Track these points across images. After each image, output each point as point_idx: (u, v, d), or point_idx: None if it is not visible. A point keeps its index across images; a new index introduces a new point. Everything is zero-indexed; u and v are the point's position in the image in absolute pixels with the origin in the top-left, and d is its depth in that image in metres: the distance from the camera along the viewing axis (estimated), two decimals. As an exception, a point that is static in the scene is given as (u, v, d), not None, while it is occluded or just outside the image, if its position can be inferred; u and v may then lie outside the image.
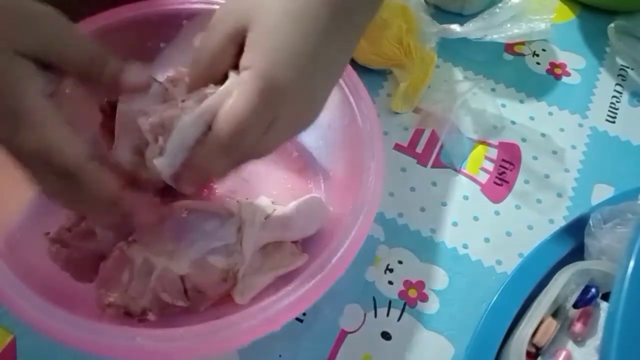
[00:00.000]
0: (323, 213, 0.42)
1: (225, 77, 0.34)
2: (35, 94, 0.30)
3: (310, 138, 0.49)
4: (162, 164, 0.33)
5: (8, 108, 0.29)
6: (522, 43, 0.61)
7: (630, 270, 0.34)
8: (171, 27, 0.45)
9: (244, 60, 0.32)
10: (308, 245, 0.42)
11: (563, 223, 0.49)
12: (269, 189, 0.46)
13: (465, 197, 0.51)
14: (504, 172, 0.52)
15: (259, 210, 0.41)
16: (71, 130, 0.30)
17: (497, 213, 0.50)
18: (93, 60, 0.32)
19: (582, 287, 0.41)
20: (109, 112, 0.37)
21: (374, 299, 0.45)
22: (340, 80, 0.43)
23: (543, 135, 0.55)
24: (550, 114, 0.57)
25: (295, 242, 0.42)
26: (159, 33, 0.45)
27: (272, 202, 0.43)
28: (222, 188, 0.44)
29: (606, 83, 0.59)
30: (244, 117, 0.31)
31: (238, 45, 0.33)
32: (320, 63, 0.33)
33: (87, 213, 0.36)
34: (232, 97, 0.31)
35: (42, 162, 0.29)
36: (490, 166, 0.53)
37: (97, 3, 0.44)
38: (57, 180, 0.30)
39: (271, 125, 0.32)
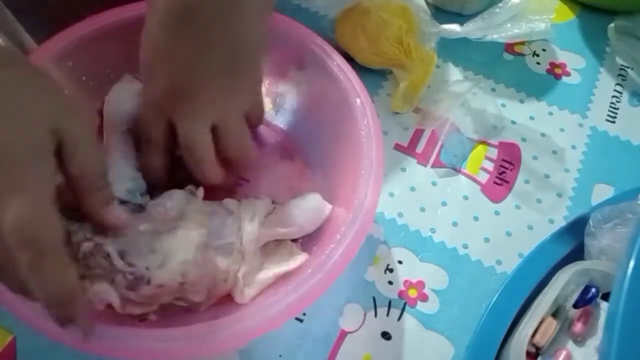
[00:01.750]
0: (323, 211, 0.42)
1: None
2: (49, 172, 0.30)
3: (309, 138, 0.49)
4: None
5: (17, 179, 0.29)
6: (522, 43, 0.61)
7: (630, 270, 0.34)
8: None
9: None
10: (308, 244, 0.42)
11: (563, 223, 0.49)
12: (268, 188, 0.46)
13: (465, 197, 0.51)
14: (504, 172, 0.52)
15: (259, 208, 0.41)
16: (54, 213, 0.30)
17: (497, 213, 0.50)
18: (91, 182, 0.33)
19: (582, 287, 0.41)
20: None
21: (374, 299, 0.45)
22: (340, 80, 0.43)
23: (543, 135, 0.55)
24: (550, 113, 0.57)
25: (295, 241, 0.42)
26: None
27: (272, 201, 0.43)
28: (222, 188, 0.44)
29: (606, 83, 0.59)
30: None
31: None
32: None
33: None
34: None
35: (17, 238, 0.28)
36: (490, 166, 0.53)
37: (98, 3, 0.44)
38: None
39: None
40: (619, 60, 0.61)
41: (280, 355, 0.42)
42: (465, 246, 0.48)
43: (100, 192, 0.34)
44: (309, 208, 0.42)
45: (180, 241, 0.37)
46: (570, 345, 0.40)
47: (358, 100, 0.42)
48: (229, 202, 0.41)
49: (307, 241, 0.43)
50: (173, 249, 0.36)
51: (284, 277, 0.40)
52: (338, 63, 0.44)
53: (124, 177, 0.38)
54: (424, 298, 0.45)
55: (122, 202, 0.36)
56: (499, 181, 0.52)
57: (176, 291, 0.37)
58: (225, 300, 0.39)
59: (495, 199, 0.51)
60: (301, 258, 0.40)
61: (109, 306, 0.37)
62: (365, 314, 0.44)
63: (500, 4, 0.56)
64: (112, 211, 0.34)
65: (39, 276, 0.28)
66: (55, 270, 0.28)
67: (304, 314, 0.43)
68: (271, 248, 0.41)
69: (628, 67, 0.61)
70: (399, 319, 0.44)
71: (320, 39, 0.45)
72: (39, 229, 0.28)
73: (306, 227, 0.42)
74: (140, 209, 0.37)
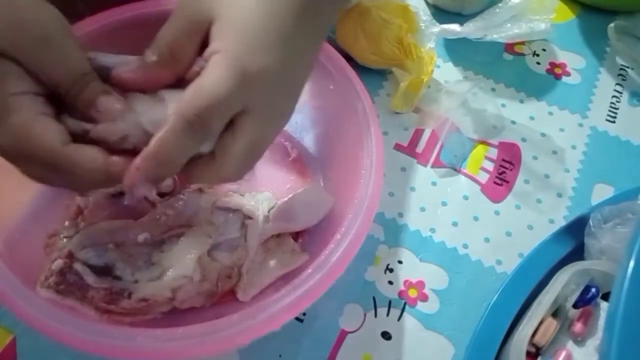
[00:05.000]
0: (326, 202, 0.42)
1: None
2: (12, 93, 0.29)
3: (309, 138, 0.49)
4: None
5: None
6: (522, 43, 0.61)
7: (630, 270, 0.34)
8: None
9: (210, 48, 0.30)
10: (308, 244, 0.42)
11: (563, 223, 0.49)
12: (268, 188, 0.46)
13: (465, 197, 0.51)
14: (504, 172, 0.52)
15: (262, 203, 0.41)
16: (45, 119, 0.30)
17: (497, 213, 0.50)
18: (74, 82, 0.31)
19: (582, 287, 0.41)
20: None
21: (374, 299, 0.45)
22: (340, 80, 0.43)
23: (543, 135, 0.55)
24: (550, 113, 0.57)
25: (296, 240, 0.42)
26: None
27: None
28: (222, 188, 0.44)
29: (606, 83, 0.59)
30: (214, 93, 0.29)
31: (200, 38, 0.31)
32: (294, 47, 0.31)
33: (80, 189, 0.37)
34: (201, 75, 0.29)
35: (22, 156, 0.30)
36: (490, 166, 0.53)
37: (98, 3, 0.44)
38: (42, 168, 0.30)
39: (242, 121, 0.30)
40: (619, 60, 0.61)
41: (280, 355, 0.42)
42: (465, 246, 0.48)
43: (89, 86, 0.31)
44: (312, 200, 0.42)
45: (182, 254, 0.37)
46: (570, 345, 0.40)
47: (358, 100, 0.42)
48: (232, 197, 0.41)
49: (308, 241, 0.43)
50: (173, 262, 0.37)
51: (284, 277, 0.40)
52: (338, 63, 0.44)
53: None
54: (424, 298, 0.45)
55: None
56: (499, 181, 0.52)
57: (164, 305, 0.37)
58: (225, 300, 0.39)
59: (495, 199, 0.51)
60: (301, 258, 0.40)
61: (107, 311, 0.37)
62: (365, 314, 0.44)
63: (500, 4, 0.56)
64: (105, 102, 0.31)
65: (66, 176, 0.31)
66: (71, 167, 0.30)
67: (304, 314, 0.43)
68: (273, 245, 0.41)
69: (628, 67, 0.61)
70: (399, 319, 0.44)
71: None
72: (30, 148, 0.29)
73: (309, 220, 0.42)
74: None
